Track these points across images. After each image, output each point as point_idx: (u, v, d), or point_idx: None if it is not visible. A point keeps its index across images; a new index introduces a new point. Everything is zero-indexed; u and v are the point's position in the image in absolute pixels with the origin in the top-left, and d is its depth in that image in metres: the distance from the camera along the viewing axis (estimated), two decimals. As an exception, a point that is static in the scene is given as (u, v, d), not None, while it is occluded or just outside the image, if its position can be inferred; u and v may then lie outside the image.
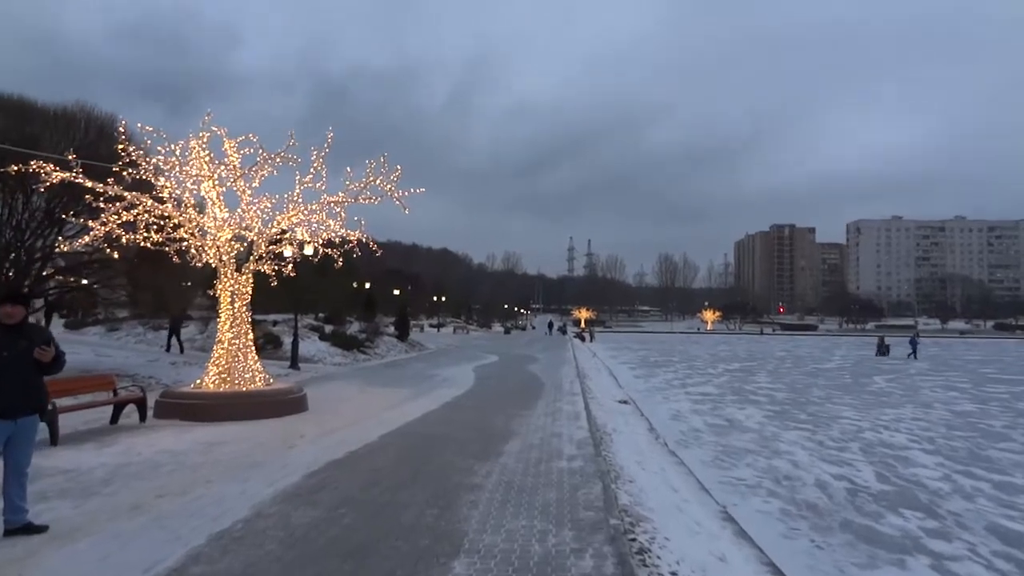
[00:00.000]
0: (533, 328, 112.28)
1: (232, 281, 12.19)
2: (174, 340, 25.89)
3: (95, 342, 29.80)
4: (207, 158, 11.62)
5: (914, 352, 43.89)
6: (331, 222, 12.52)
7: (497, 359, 30.67)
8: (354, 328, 36.71)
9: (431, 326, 79.09)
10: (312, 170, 12.01)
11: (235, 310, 12.19)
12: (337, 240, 12.90)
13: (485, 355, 33.57)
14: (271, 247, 12.92)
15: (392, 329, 41.17)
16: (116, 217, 10.85)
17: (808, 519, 7.92)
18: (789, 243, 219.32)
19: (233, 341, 12.09)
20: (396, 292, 63.92)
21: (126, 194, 11.04)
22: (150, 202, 11.30)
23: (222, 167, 11.84)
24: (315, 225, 12.61)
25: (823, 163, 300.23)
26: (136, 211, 11.16)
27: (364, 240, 12.81)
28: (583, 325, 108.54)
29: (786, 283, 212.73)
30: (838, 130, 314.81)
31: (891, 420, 16.18)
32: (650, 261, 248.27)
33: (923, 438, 13.71)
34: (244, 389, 11.78)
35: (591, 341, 67.04)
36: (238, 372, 11.97)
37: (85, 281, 20.16)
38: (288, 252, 22.04)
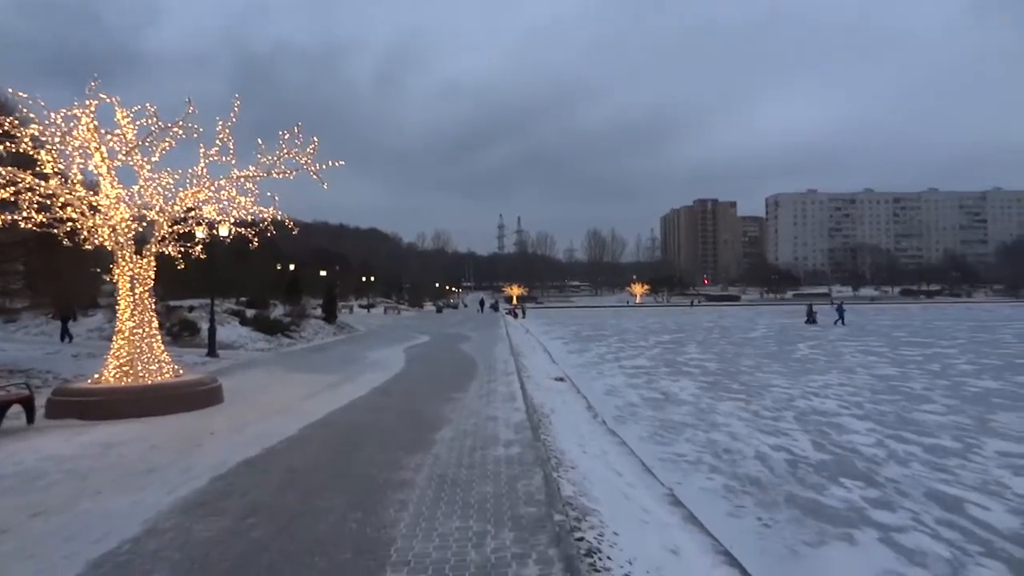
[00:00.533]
0: (465, 306, 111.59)
1: (131, 265, 11.04)
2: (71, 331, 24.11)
3: (-12, 335, 27.45)
4: (93, 128, 10.38)
5: (841, 318, 45.16)
6: (242, 199, 11.48)
7: (428, 339, 29.96)
8: (279, 312, 35.19)
9: (361, 307, 77.39)
10: (218, 142, 10.94)
11: (136, 296, 11.06)
12: (250, 219, 11.88)
13: (416, 335, 32.79)
14: (175, 227, 11.78)
15: (319, 312, 39.78)
16: (-12, 196, 9.54)
17: (752, 495, 7.70)
18: (712, 217, 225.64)
19: (135, 331, 10.98)
20: (323, 273, 61.99)
21: (1, 169, 9.73)
22: (30, 179, 10.01)
23: (112, 138, 10.63)
24: (224, 203, 11.53)
25: (745, 142, 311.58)
26: (15, 188, 9.86)
27: (279, 218, 11.85)
28: (515, 302, 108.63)
29: (710, 256, 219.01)
30: (760, 111, 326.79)
31: (820, 387, 16.44)
32: (579, 237, 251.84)
33: (852, 403, 13.91)
34: (149, 382, 10.74)
35: (523, 318, 66.95)
36: (142, 364, 10.90)
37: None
38: (200, 233, 20.71)
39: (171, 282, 33.81)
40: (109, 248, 11.00)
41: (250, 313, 31.57)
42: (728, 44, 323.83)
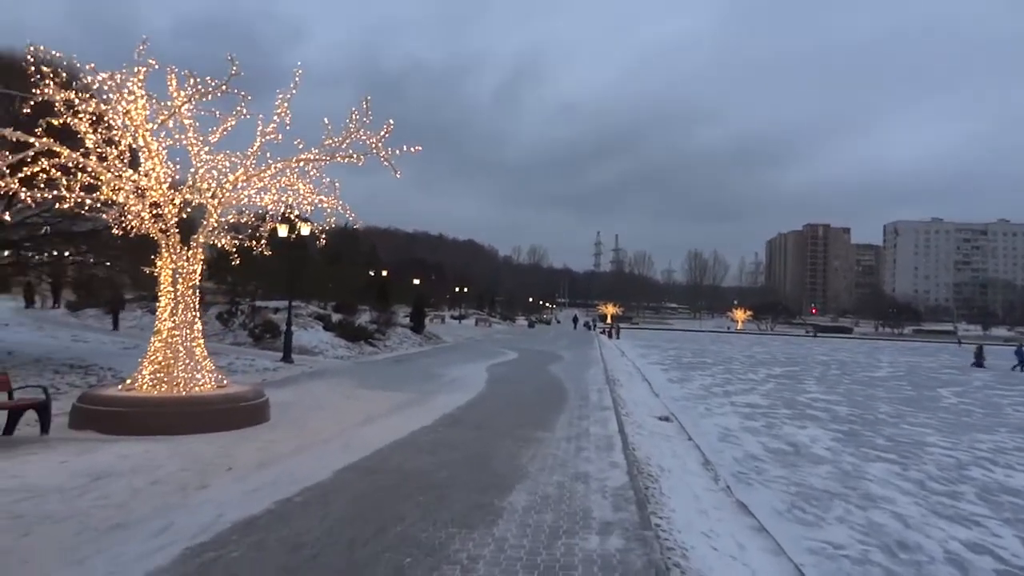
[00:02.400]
0: (558, 322, 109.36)
1: (174, 256, 9.63)
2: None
3: (83, 325, 27.78)
4: (143, 97, 9.04)
5: (1020, 363, 38.28)
6: (301, 185, 9.84)
7: (516, 356, 27.98)
8: (366, 318, 34.29)
9: (453, 317, 76.66)
10: (275, 117, 9.39)
11: (177, 293, 9.62)
12: (311, 210, 10.25)
13: (504, 351, 30.91)
14: (230, 217, 10.32)
15: (407, 320, 38.75)
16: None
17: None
18: (823, 243, 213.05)
19: (174, 332, 9.53)
20: (416, 281, 61.54)
21: (31, 139, 8.49)
22: (66, 152, 8.73)
23: (162, 111, 9.26)
24: (283, 189, 9.93)
25: (862, 166, 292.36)
26: (45, 162, 8.60)
27: (341, 210, 10.16)
28: (609, 321, 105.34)
29: (819, 284, 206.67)
30: (879, 133, 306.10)
31: (992, 450, 13.18)
32: (679, 258, 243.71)
33: (1049, 479, 10.72)
34: (185, 393, 9.23)
35: (617, 338, 64.03)
36: (180, 372, 9.43)
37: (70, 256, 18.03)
38: (283, 231, 19.63)
39: (261, 282, 33.68)
40: (153, 236, 9.62)
41: (336, 318, 30.71)
42: (848, 64, 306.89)
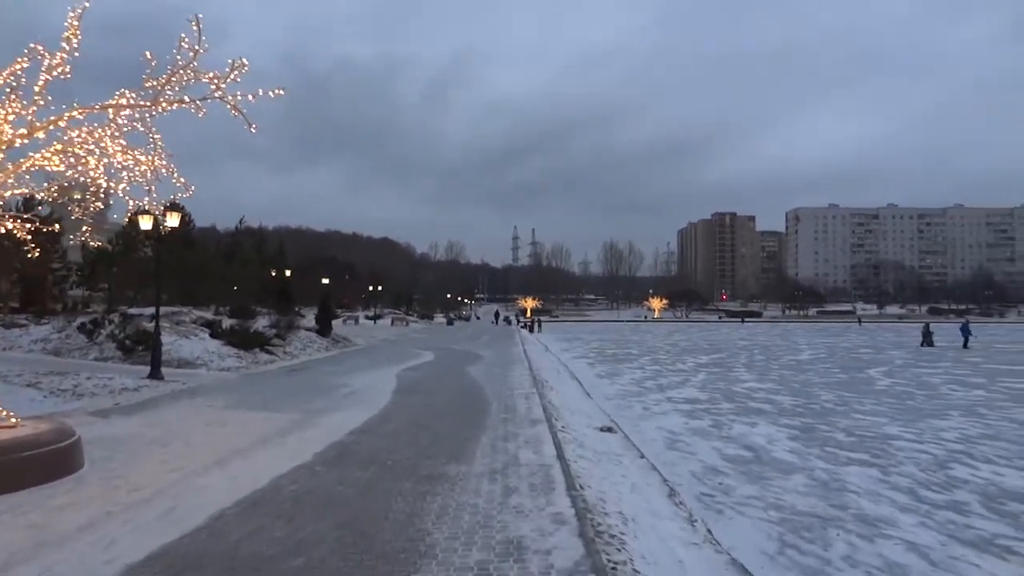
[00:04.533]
0: (478, 319, 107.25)
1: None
2: None
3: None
4: None
5: (966, 341, 38.20)
6: (109, 142, 7.02)
7: (432, 358, 25.51)
8: (264, 323, 30.90)
9: (367, 318, 73.23)
10: (64, 45, 6.60)
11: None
12: (130, 178, 7.44)
13: (419, 352, 28.38)
14: (19, 190, 7.42)
15: (311, 323, 35.51)
16: None
17: None
18: (731, 231, 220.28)
19: (-78, 355, 6.62)
20: (325, 281, 57.84)
21: None
22: None
23: None
24: (82, 148, 7.08)
25: (766, 160, 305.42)
26: None
27: (164, 170, 7.41)
28: (529, 315, 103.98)
29: (728, 270, 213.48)
30: (782, 131, 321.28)
31: (959, 440, 11.91)
32: (595, 250, 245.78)
33: (1041, 475, 9.34)
34: (-63, 444, 6.37)
35: (539, 331, 62.45)
36: (-68, 411, 6.54)
37: None
38: (145, 224, 16.41)
39: (142, 287, 29.72)
40: None
41: (228, 323, 27.29)
42: (757, 67, 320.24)
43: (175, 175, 7.30)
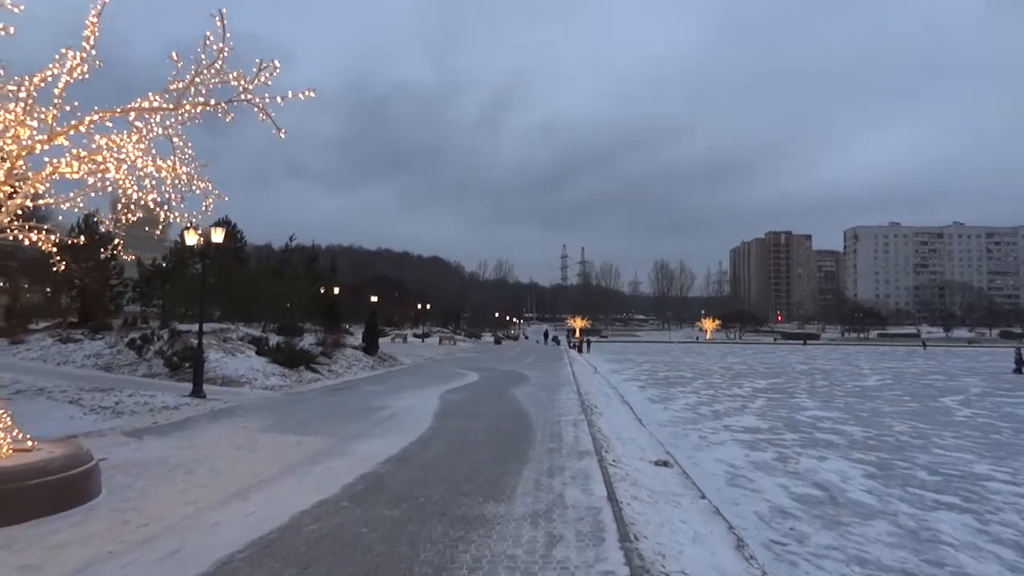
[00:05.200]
0: (526, 338, 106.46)
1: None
2: None
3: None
4: None
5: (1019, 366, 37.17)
6: (131, 148, 6.60)
7: (477, 379, 24.84)
8: (311, 340, 30.82)
9: (415, 336, 73.22)
10: (84, 44, 6.22)
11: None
12: (151, 185, 7.03)
13: (464, 373, 27.76)
14: (43, 200, 7.09)
15: (359, 340, 35.37)
16: None
17: None
18: (785, 250, 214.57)
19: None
20: (373, 299, 58.06)
21: None
22: None
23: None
24: (102, 155, 6.68)
25: (821, 177, 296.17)
26: None
27: (188, 179, 6.97)
28: (578, 335, 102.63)
29: (783, 291, 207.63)
30: (840, 145, 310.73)
31: (1065, 482, 10.57)
32: (645, 269, 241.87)
33: None
34: (-58, 469, 5.97)
35: (587, 352, 61.31)
36: (-59, 434, 6.16)
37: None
38: (191, 239, 16.30)
39: (192, 303, 29.99)
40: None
41: (275, 341, 27.23)
42: (810, 82, 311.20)
43: (198, 183, 6.83)
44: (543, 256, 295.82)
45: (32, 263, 42.14)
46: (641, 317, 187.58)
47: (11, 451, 6.66)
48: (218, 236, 16.31)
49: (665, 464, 9.55)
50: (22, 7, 5.97)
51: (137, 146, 6.48)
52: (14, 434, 6.83)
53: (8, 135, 6.26)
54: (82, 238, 8.63)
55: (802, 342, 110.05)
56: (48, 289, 33.50)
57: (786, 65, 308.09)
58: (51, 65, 6.55)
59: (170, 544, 5.36)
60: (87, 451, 7.15)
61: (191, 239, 16.42)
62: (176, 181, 6.98)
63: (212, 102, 6.60)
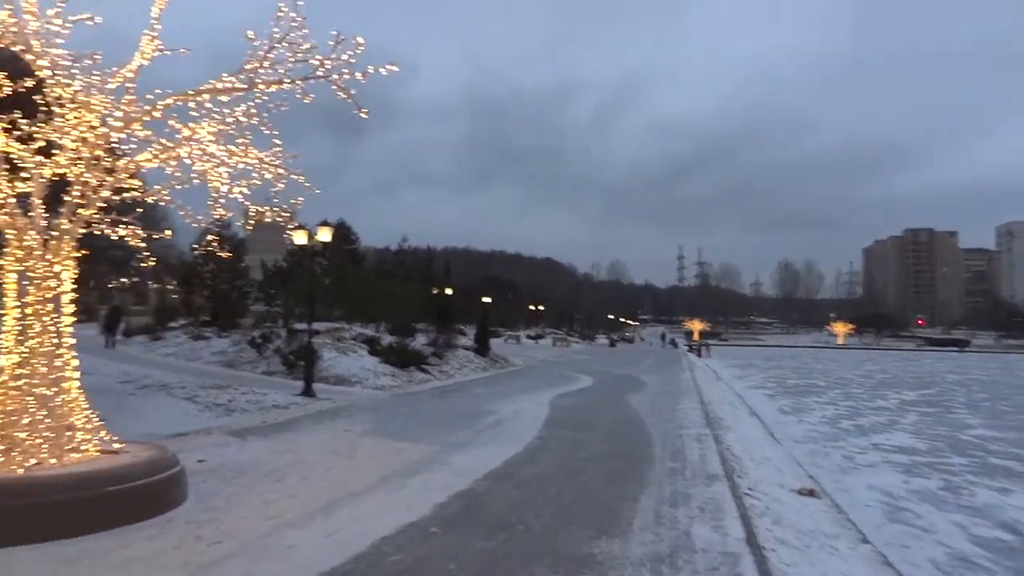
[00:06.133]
0: (641, 340, 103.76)
1: (22, 252, 6.16)
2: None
3: (125, 354, 25.28)
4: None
5: None
6: (204, 131, 6.11)
7: (591, 383, 23.73)
8: (423, 340, 30.86)
9: (528, 337, 72.94)
10: (151, 33, 5.77)
11: (27, 310, 6.13)
12: (228, 173, 6.54)
13: (578, 376, 26.69)
14: (107, 190, 6.79)
15: (471, 341, 35.16)
16: None
17: None
18: (928, 248, 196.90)
19: (20, 370, 6.04)
20: (486, 300, 58.13)
21: None
22: None
23: None
24: (180, 146, 6.24)
25: (969, 168, 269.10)
26: None
27: (286, 173, 6.43)
28: (696, 338, 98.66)
29: (924, 293, 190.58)
30: (988, 132, 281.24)
31: None
32: (767, 270, 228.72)
33: None
34: (21, 472, 5.68)
35: (707, 356, 58.47)
36: (27, 433, 5.91)
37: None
38: (300, 239, 16.30)
39: (304, 301, 30.81)
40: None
41: (388, 341, 27.37)
42: (953, 67, 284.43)
43: (281, 171, 6.26)
44: (658, 257, 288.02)
45: (175, 266, 45.36)
46: (764, 320, 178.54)
47: (97, 453, 6.37)
48: (325, 235, 16.24)
49: (811, 493, 8.08)
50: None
51: (211, 132, 5.99)
52: (102, 436, 6.55)
53: (92, 125, 5.96)
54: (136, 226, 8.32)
55: (956, 349, 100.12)
56: (185, 289, 35.63)
57: (925, 45, 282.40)
58: (138, 54, 6.22)
59: (235, 570, 4.73)
60: (172, 455, 6.76)
61: (300, 238, 16.43)
62: (261, 171, 6.47)
63: (285, 81, 6.00)
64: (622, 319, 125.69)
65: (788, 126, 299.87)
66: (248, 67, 5.98)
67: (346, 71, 6.01)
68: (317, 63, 5.93)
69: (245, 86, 5.97)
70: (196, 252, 29.50)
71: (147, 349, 27.04)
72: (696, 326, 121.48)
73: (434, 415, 14.06)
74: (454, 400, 17.25)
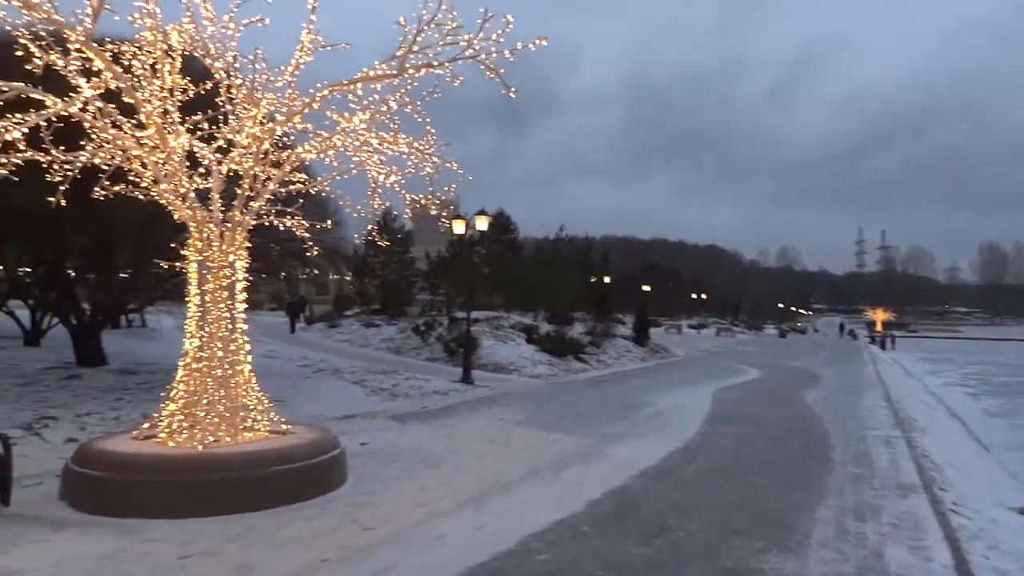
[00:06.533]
0: (815, 331, 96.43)
1: (201, 242, 6.61)
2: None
3: (306, 340, 27.32)
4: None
5: None
6: (357, 122, 6.17)
7: (758, 375, 22.24)
8: (580, 329, 30.64)
9: (690, 327, 70.41)
10: (309, 27, 5.90)
11: (207, 298, 6.57)
12: (381, 160, 6.60)
13: (744, 368, 25.14)
14: (292, 185, 7.10)
15: (630, 330, 34.42)
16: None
17: None
18: None
19: (201, 355, 6.50)
20: (646, 288, 56.82)
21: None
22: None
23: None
24: (337, 138, 6.37)
25: None
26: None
27: (440, 161, 6.38)
28: (879, 328, 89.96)
29: None
30: None
31: None
32: (966, 254, 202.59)
33: None
34: (200, 449, 6.10)
35: (892, 349, 53.10)
36: (206, 413, 6.35)
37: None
38: (459, 228, 16.64)
39: (462, 289, 31.75)
40: (178, 217, 6.68)
41: (545, 329, 27.45)
42: None
43: (436, 160, 6.22)
44: (834, 241, 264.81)
45: (351, 258, 48.73)
46: (962, 310, 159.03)
47: (267, 433, 6.73)
48: (482, 224, 16.43)
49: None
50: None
51: (363, 120, 6.04)
52: (271, 416, 6.91)
53: (261, 121, 6.27)
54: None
55: None
56: (358, 280, 38.06)
57: None
58: (300, 51, 6.45)
59: (387, 558, 4.71)
60: (334, 438, 7.00)
61: (458, 228, 16.76)
62: (414, 160, 6.50)
63: (434, 63, 5.90)
64: (793, 308, 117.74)
65: (995, 92, 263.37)
66: (399, 54, 5.97)
67: (494, 50, 5.81)
68: (465, 44, 5.78)
69: (395, 72, 5.97)
70: (357, 241, 31.36)
71: (325, 336, 29.16)
72: (879, 316, 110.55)
73: (590, 405, 13.74)
74: (611, 390, 16.82)
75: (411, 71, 5.90)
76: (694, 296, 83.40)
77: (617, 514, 5.86)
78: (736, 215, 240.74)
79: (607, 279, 46.08)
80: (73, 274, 13.73)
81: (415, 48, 5.86)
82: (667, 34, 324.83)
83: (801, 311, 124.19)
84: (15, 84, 5.65)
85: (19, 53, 5.58)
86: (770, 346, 48.20)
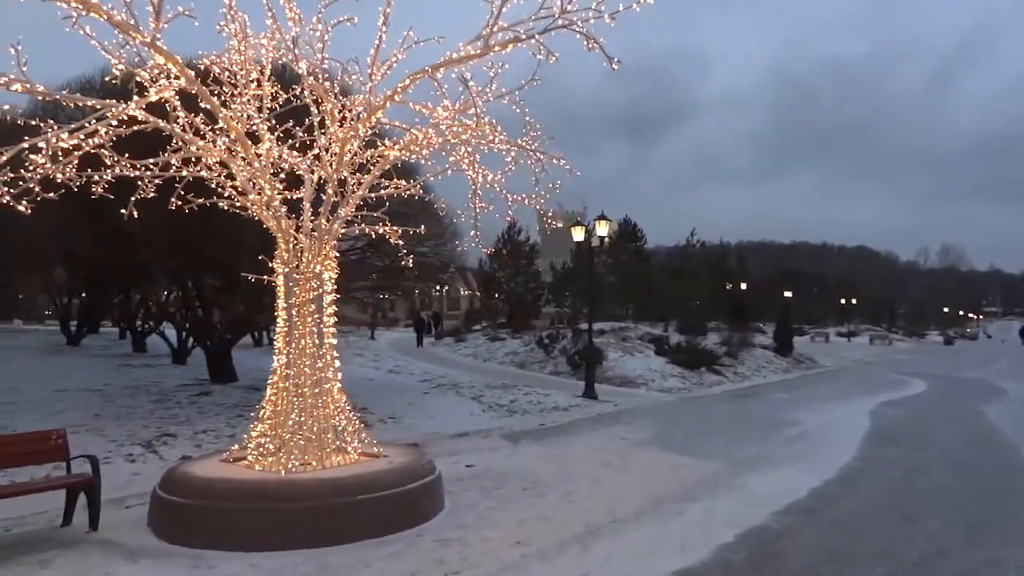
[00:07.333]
0: (988, 337, 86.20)
1: (287, 254, 6.26)
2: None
3: (432, 354, 27.46)
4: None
5: None
6: (439, 111, 5.54)
7: (924, 388, 19.59)
8: (715, 339, 28.74)
9: (839, 335, 65.05)
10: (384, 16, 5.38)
11: (294, 315, 6.19)
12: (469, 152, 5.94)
13: (905, 379, 22.34)
14: (383, 190, 6.63)
15: (770, 340, 31.96)
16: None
17: None
18: None
19: (289, 374, 6.12)
20: (788, 295, 53.05)
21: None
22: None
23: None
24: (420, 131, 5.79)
25: None
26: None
27: (544, 157, 5.65)
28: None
29: None
30: None
31: None
32: None
33: None
34: (283, 474, 5.68)
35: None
36: (292, 435, 5.95)
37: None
38: (578, 235, 15.82)
39: (584, 300, 30.79)
40: (266, 226, 6.38)
41: (675, 340, 25.92)
42: None
43: (541, 155, 5.49)
44: (1007, 237, 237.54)
45: (478, 273, 49.31)
46: None
47: (358, 456, 6.24)
48: (602, 230, 15.51)
49: None
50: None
51: (449, 110, 5.43)
52: (363, 438, 6.43)
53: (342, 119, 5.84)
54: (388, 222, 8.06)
55: None
56: (485, 294, 38.28)
57: None
58: (394, 53, 5.98)
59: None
60: (429, 462, 6.40)
61: (578, 235, 15.95)
62: (514, 153, 5.82)
63: (522, 36, 5.17)
64: (960, 312, 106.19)
65: None
66: (485, 32, 5.32)
67: (590, 15, 5.01)
68: (555, 12, 5.02)
69: (479, 52, 5.31)
70: (484, 255, 31.27)
71: (451, 350, 29.28)
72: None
73: (724, 423, 12.41)
74: (748, 406, 15.26)
75: (497, 49, 5.22)
76: (842, 301, 77.11)
77: (755, 566, 4.77)
78: (886, 213, 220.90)
79: (743, 286, 43.41)
80: (202, 297, 14.38)
81: (501, 23, 5.17)
82: (811, 25, 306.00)
83: (970, 315, 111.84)
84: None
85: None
86: (935, 354, 43.19)
